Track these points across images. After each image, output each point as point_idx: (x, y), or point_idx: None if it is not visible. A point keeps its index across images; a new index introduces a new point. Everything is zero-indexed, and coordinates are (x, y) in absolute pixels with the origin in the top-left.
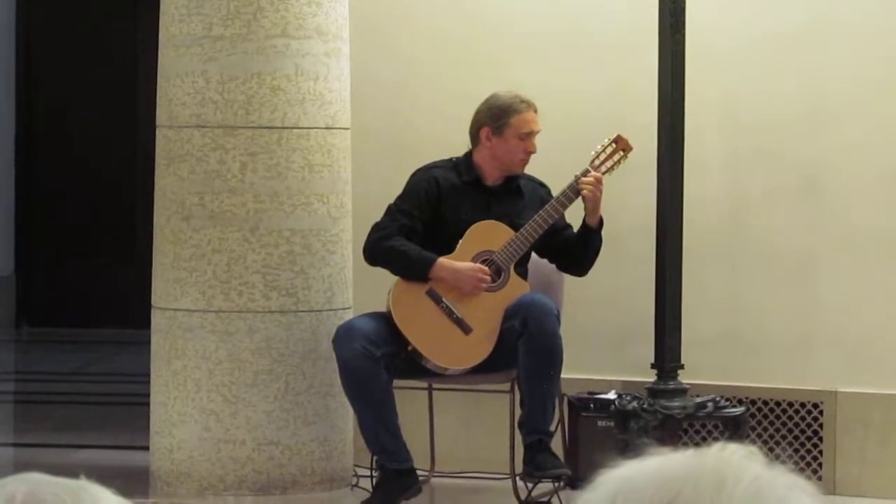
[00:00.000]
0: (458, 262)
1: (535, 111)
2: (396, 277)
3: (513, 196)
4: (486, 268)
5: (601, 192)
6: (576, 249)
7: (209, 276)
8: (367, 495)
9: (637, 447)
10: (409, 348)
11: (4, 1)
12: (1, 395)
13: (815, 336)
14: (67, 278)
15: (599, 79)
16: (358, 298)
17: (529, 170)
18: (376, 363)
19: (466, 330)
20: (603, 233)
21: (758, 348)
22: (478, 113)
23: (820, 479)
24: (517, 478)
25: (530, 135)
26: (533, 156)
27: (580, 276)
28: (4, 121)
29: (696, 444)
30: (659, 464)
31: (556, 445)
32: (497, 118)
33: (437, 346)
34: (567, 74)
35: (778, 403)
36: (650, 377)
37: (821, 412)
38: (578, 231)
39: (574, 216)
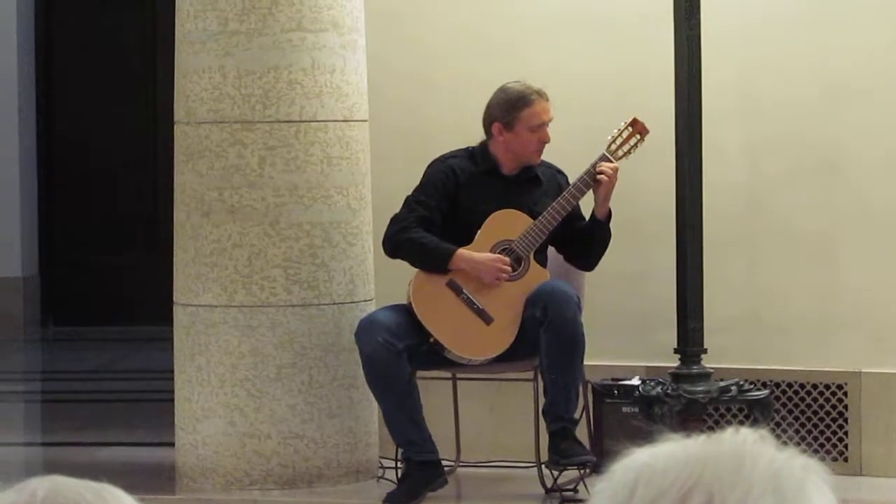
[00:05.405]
0: (477, 254)
1: (546, 99)
2: (416, 269)
3: (530, 184)
4: (506, 258)
5: (615, 182)
6: (584, 241)
7: (230, 272)
8: (393, 487)
9: (653, 433)
10: (431, 340)
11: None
12: (28, 395)
13: (838, 317)
14: (91, 277)
15: (614, 63)
16: (379, 290)
17: (546, 155)
18: (399, 356)
19: (487, 320)
20: (623, 217)
21: (780, 331)
22: (489, 107)
23: (846, 459)
24: (543, 466)
25: (542, 126)
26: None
27: (586, 269)
28: (25, 121)
29: (721, 429)
30: (676, 449)
31: (581, 432)
32: (507, 113)
33: (459, 338)
34: (582, 59)
35: (802, 385)
36: (673, 362)
37: (845, 393)
38: (587, 223)
39: (586, 206)
